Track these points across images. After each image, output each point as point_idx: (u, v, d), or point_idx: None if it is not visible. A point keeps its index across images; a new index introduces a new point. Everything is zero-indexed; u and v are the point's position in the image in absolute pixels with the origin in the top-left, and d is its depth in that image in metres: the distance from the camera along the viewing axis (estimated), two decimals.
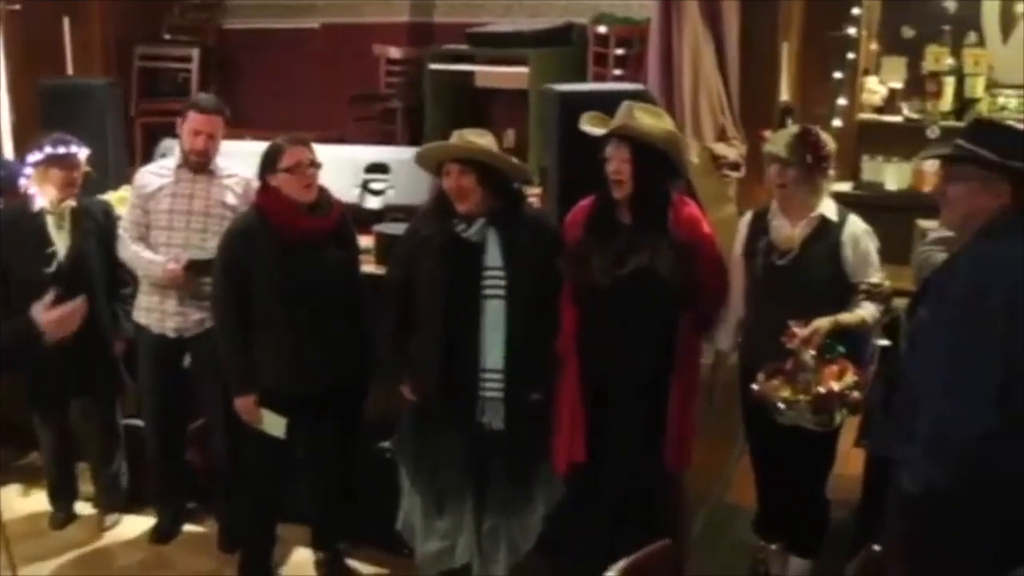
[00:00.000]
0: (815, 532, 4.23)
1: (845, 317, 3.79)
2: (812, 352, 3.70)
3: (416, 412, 4.05)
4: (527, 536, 4.11)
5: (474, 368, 3.88)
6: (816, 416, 3.70)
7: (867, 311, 3.82)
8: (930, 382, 2.96)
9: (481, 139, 3.91)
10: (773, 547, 4.38)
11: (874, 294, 3.83)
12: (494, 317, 3.86)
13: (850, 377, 3.72)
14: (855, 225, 3.92)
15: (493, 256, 3.88)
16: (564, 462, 3.97)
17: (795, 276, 3.88)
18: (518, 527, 4.08)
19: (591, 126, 3.85)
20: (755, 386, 3.78)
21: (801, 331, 3.70)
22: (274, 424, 4.16)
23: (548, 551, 4.16)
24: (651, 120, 3.83)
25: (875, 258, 3.91)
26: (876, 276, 3.88)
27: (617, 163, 3.76)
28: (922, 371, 3.01)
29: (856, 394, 3.70)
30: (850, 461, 4.70)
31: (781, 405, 3.71)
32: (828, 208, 3.92)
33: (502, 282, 3.86)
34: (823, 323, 3.72)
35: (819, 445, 4.09)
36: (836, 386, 3.68)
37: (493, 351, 3.88)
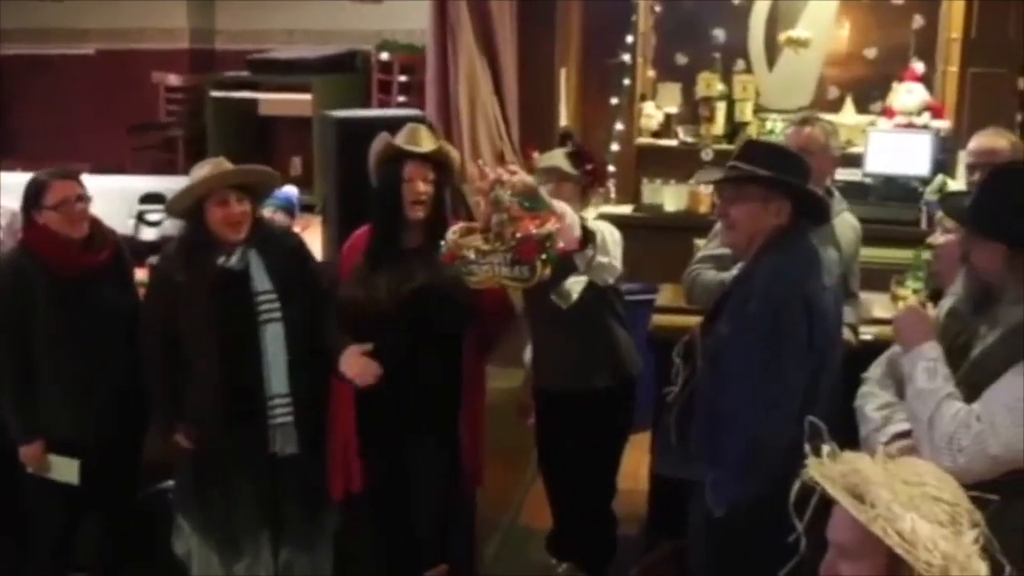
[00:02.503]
0: (603, 550, 4.30)
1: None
2: (509, 193, 3.25)
3: (196, 460, 3.87)
4: (322, 570, 4.02)
5: (260, 397, 3.77)
6: (514, 269, 3.25)
7: (562, 205, 3.42)
8: (737, 399, 3.02)
9: (229, 164, 3.82)
10: (564, 567, 4.44)
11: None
12: (274, 341, 3.77)
13: (551, 225, 3.26)
14: (598, 222, 3.81)
15: (260, 280, 3.78)
16: (340, 490, 3.90)
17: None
18: (314, 561, 3.99)
19: (411, 146, 3.74)
20: (443, 243, 3.36)
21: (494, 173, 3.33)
22: (66, 469, 3.91)
23: None
24: (431, 139, 3.83)
25: (607, 233, 3.65)
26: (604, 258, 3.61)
27: (423, 185, 3.72)
28: (727, 388, 3.06)
29: (561, 244, 3.27)
30: (638, 478, 4.81)
31: (472, 255, 3.27)
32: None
33: (276, 304, 3.77)
34: (524, 175, 3.39)
35: (602, 460, 4.18)
36: (535, 230, 3.24)
37: (277, 376, 3.78)
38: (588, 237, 3.45)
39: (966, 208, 2.67)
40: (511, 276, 3.26)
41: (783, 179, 3.08)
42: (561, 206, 3.44)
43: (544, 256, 3.22)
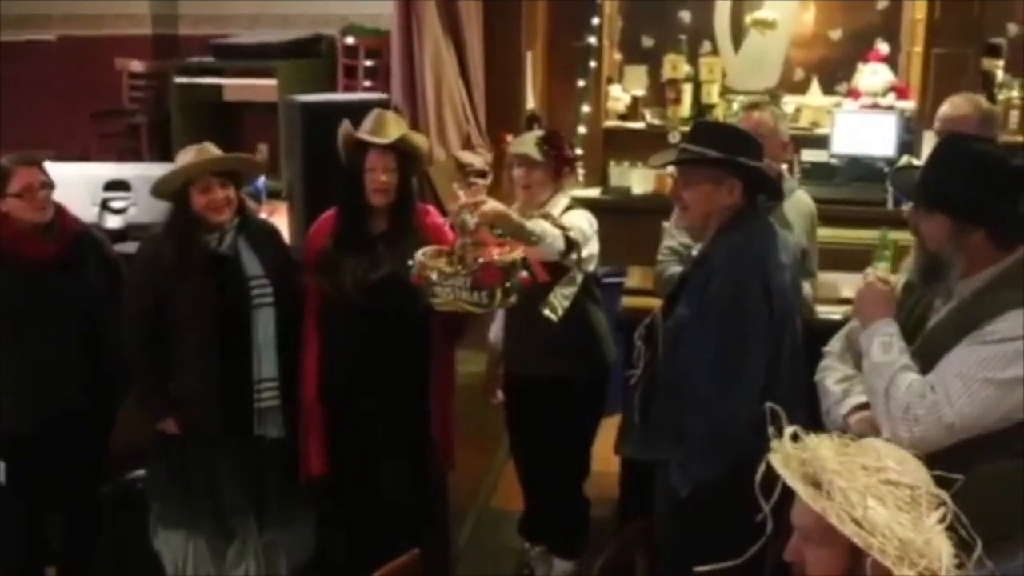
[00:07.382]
0: (575, 532, 4.31)
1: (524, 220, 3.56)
2: (475, 219, 3.36)
3: (176, 446, 3.86)
4: (303, 549, 4.02)
5: (248, 381, 3.80)
6: (474, 294, 3.34)
7: (543, 226, 3.59)
8: (699, 378, 3.04)
9: (215, 149, 3.83)
10: (537, 549, 4.44)
11: (558, 225, 3.65)
12: (265, 326, 3.80)
13: (517, 253, 3.38)
14: (572, 214, 3.93)
15: (252, 265, 3.82)
16: (306, 473, 3.90)
17: None
18: (294, 540, 3.99)
19: (373, 136, 3.73)
20: (411, 262, 3.47)
21: (469, 198, 3.44)
22: None
23: (321, 563, 4.08)
24: (397, 127, 3.82)
25: (586, 228, 3.84)
26: (585, 251, 3.78)
27: (385, 174, 3.71)
28: (688, 369, 3.08)
29: (525, 273, 3.38)
30: (610, 460, 4.82)
31: (435, 277, 3.36)
32: (558, 207, 3.96)
33: (268, 289, 3.81)
34: (497, 204, 3.52)
35: (575, 445, 4.19)
36: (497, 256, 3.34)
37: (267, 360, 3.81)
38: (571, 244, 3.50)
39: (913, 182, 2.69)
40: (470, 301, 3.35)
41: (732, 159, 3.09)
42: (541, 225, 3.49)
43: (508, 284, 3.31)
